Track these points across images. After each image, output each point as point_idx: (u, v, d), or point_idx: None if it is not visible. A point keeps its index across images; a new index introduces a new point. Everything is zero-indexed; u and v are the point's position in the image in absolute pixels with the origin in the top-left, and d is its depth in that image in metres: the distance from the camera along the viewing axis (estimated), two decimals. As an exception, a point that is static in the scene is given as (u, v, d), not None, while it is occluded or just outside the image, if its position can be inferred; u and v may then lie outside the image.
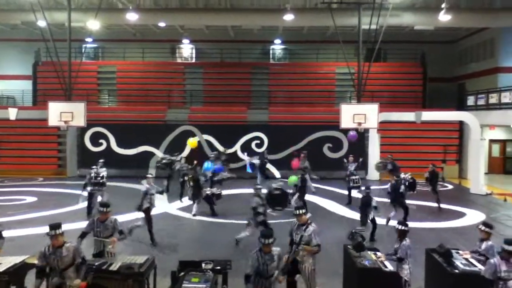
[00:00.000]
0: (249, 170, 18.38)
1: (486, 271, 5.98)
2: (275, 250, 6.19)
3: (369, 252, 7.31)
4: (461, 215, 14.51)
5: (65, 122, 15.74)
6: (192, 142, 17.73)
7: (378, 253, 7.32)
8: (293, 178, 14.01)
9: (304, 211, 7.14)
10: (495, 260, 5.95)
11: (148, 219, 10.89)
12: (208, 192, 14.30)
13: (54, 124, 16.06)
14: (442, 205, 15.24)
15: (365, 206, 11.10)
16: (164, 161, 17.67)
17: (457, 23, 21.97)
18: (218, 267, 6.91)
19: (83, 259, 6.17)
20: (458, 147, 23.27)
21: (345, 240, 7.91)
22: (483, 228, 7.17)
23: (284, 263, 6.82)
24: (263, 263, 6.06)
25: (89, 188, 13.45)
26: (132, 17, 20.42)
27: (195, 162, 16.15)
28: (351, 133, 17.16)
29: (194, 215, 14.02)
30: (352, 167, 15.79)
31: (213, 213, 14.06)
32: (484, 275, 5.98)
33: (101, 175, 13.76)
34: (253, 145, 22.07)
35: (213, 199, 14.19)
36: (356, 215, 14.05)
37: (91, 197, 13.38)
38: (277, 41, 27.71)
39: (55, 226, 6.04)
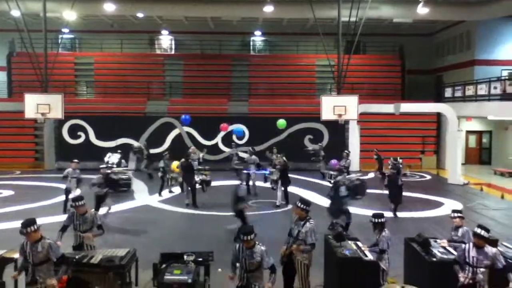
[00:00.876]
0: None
1: (457, 254, 6.22)
2: (259, 248, 6.04)
3: (349, 242, 7.40)
4: (439, 204, 14.81)
5: (42, 114, 15.43)
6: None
7: (359, 243, 7.41)
8: None
9: (304, 206, 6.96)
10: (466, 246, 6.10)
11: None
12: (198, 180, 14.32)
13: (31, 116, 15.73)
14: (419, 195, 15.51)
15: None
16: (135, 149, 19.58)
17: (435, 16, 22.30)
18: (200, 259, 6.91)
19: (60, 258, 5.96)
20: (436, 138, 23.71)
21: (326, 230, 8.00)
22: (454, 215, 7.41)
23: (281, 254, 6.89)
24: (243, 256, 6.06)
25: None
26: (109, 7, 20.10)
27: (166, 152, 16.65)
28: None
29: (187, 204, 14.05)
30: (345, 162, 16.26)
31: (194, 203, 14.01)
32: (456, 258, 6.20)
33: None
34: (234, 137, 22.02)
35: (202, 186, 14.15)
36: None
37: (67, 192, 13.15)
38: (257, 32, 27.65)
39: (26, 224, 5.89)
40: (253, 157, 16.00)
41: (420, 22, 24.41)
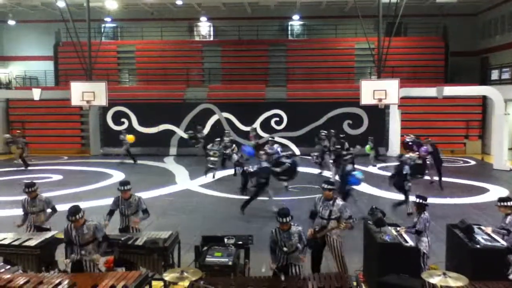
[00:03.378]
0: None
1: (509, 240, 6.04)
2: (295, 229, 6.21)
3: (389, 228, 7.36)
4: (484, 191, 14.38)
5: (87, 101, 16.00)
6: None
7: (398, 228, 7.38)
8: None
9: (331, 187, 7.28)
10: None
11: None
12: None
13: (77, 103, 16.34)
14: (462, 181, 15.11)
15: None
16: (189, 135, 19.95)
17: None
18: (240, 242, 7.05)
19: (103, 237, 6.41)
20: (481, 122, 22.87)
21: (366, 215, 7.99)
22: (501, 204, 7.15)
23: (309, 237, 6.93)
24: (281, 239, 6.16)
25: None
26: (149, -5, 20.43)
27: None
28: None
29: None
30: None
31: (244, 189, 13.40)
32: (509, 246, 6.03)
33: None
34: (272, 122, 22.10)
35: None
36: (375, 191, 14.16)
37: None
38: (295, 17, 27.35)
39: (73, 212, 6.26)
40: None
41: (464, 1, 23.44)
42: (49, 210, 8.01)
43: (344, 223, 7.06)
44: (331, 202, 7.20)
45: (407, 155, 12.41)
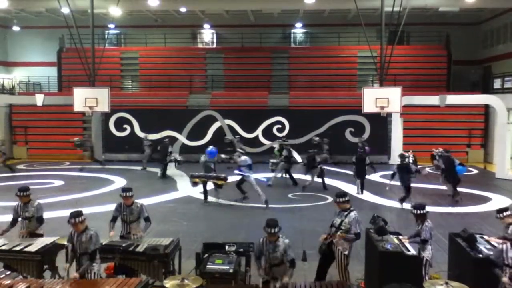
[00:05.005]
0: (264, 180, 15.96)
1: (493, 254, 5.95)
2: (282, 241, 6.07)
3: (391, 236, 7.33)
4: (486, 199, 14.33)
5: (90, 107, 16.01)
6: None
7: (401, 237, 7.33)
8: None
9: (345, 199, 7.12)
10: (504, 246, 5.78)
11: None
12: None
13: (80, 109, 16.35)
14: (464, 190, 15.06)
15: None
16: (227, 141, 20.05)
17: (484, 4, 21.40)
18: (241, 250, 7.04)
19: (93, 252, 6.22)
20: (483, 131, 22.83)
21: (367, 223, 7.95)
22: (501, 215, 7.07)
23: (320, 242, 6.94)
24: (266, 250, 6.08)
25: None
26: (153, 2, 20.53)
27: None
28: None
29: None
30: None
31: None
32: (493, 260, 5.90)
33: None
34: (274, 129, 22.10)
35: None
36: (377, 199, 14.12)
37: None
38: (298, 24, 27.45)
39: (74, 215, 6.25)
40: (243, 157, 13.77)
41: (467, 10, 23.50)
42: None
43: (340, 234, 6.96)
44: (345, 213, 7.10)
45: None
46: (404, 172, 12.82)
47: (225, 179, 13.37)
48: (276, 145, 19.19)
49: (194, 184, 13.89)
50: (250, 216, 12.14)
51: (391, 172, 13.70)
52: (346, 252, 7.00)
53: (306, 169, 15.67)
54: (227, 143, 19.61)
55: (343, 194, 7.28)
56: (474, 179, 17.86)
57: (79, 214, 6.29)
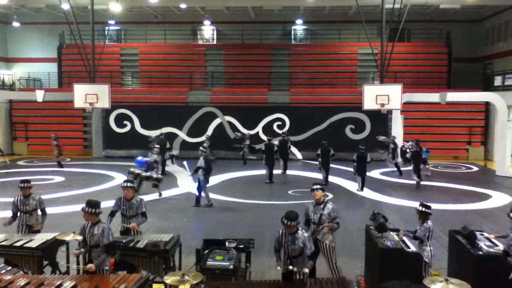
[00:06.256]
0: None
1: (505, 242, 6.06)
2: (301, 234, 6.08)
3: (391, 233, 7.33)
4: (486, 197, 14.33)
5: (90, 103, 15.98)
6: None
7: (398, 232, 7.34)
8: None
9: (318, 187, 7.26)
10: None
11: None
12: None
13: (80, 106, 16.34)
14: (464, 187, 15.09)
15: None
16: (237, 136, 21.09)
17: (484, 1, 21.36)
18: (241, 246, 7.03)
19: (106, 246, 6.14)
20: (483, 128, 22.83)
21: (367, 220, 7.96)
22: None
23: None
24: (285, 242, 6.12)
25: None
26: (153, -1, 20.47)
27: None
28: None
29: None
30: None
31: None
32: (505, 249, 5.97)
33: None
34: (274, 126, 22.09)
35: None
36: (377, 196, 14.13)
37: None
38: (298, 21, 27.38)
39: (90, 204, 6.18)
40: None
41: (467, 8, 23.44)
42: (39, 212, 7.96)
43: (327, 224, 7.10)
44: (321, 206, 7.18)
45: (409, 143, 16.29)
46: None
47: (158, 180, 14.09)
48: (206, 141, 19.42)
49: (154, 186, 14.17)
50: (250, 212, 12.14)
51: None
52: (333, 244, 7.11)
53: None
54: (237, 139, 20.51)
55: (318, 183, 7.47)
56: (475, 177, 17.88)
57: (94, 204, 6.19)
